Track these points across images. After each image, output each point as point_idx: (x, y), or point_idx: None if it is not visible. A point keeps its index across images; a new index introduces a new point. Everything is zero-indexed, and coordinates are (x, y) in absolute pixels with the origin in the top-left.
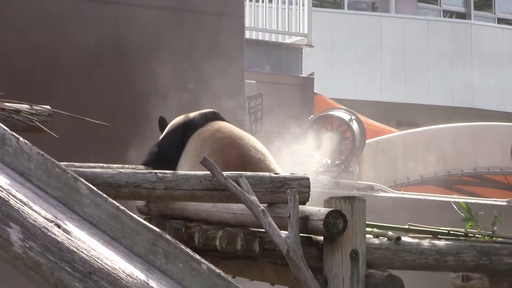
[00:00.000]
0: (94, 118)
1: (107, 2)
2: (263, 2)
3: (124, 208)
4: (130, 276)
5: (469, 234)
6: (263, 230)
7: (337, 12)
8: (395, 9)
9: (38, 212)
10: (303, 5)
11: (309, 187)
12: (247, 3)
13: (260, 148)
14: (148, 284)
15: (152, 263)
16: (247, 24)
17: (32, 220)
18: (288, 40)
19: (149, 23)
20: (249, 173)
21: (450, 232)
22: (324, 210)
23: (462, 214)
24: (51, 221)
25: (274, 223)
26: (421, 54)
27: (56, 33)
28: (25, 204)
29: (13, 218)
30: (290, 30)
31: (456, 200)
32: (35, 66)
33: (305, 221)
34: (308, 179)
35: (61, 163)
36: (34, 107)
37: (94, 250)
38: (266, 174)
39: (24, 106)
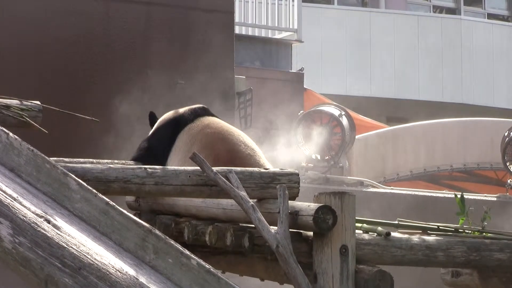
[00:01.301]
0: (84, 113)
1: None
2: None
3: (114, 204)
4: (119, 272)
5: (459, 230)
6: (253, 225)
7: (327, 8)
8: (385, 5)
9: (28, 208)
10: (293, 0)
11: (298, 183)
12: None
13: (249, 144)
14: (137, 279)
15: (141, 259)
16: (236, 19)
17: (22, 215)
18: (278, 35)
19: (138, 19)
20: (238, 169)
21: (440, 227)
22: (313, 206)
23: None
24: (41, 217)
25: (264, 219)
26: (411, 49)
27: (45, 29)
28: (15, 199)
29: (2, 214)
30: (280, 26)
31: (446, 195)
32: (25, 62)
33: (294, 216)
34: (297, 174)
35: (51, 158)
36: (24, 102)
37: (84, 246)
38: (256, 169)
39: (14, 102)
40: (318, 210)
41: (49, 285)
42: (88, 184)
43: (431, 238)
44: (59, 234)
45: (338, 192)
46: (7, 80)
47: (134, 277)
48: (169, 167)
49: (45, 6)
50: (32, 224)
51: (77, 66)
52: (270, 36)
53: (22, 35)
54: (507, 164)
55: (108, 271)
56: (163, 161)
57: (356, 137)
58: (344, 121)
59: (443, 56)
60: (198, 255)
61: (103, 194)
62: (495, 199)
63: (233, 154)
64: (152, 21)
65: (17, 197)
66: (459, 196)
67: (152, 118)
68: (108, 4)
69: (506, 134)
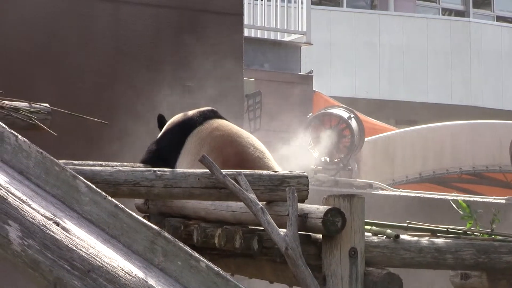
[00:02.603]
0: (93, 116)
1: (106, 0)
2: (262, 0)
3: (123, 206)
4: (128, 274)
5: (468, 232)
6: (262, 228)
7: (336, 10)
8: (394, 7)
9: (37, 210)
10: (302, 3)
11: (307, 185)
12: (246, 1)
13: (258, 146)
14: (146, 282)
15: (150, 261)
16: (246, 22)
17: (31, 218)
18: (287, 38)
19: (148, 21)
20: (247, 171)
21: (449, 230)
22: (323, 208)
23: (461, 212)
24: (50, 219)
25: (273, 221)
26: (420, 52)
27: (54, 31)
28: (23, 202)
29: (11, 216)
30: (289, 28)
31: (455, 198)
32: (34, 64)
33: (303, 219)
34: (306, 177)
35: (60, 161)
36: (33, 105)
37: (93, 248)
38: (265, 172)
39: (23, 104)
40: (327, 212)
41: (58, 287)
42: (97, 187)
43: (440, 241)
44: (68, 237)
45: (347, 195)
46: (16, 82)
47: (143, 279)
48: (178, 170)
49: (53, 8)
50: (41, 227)
51: (86, 68)
52: (279, 38)
53: (30, 37)
54: None
55: (117, 273)
56: (172, 164)
57: (365, 139)
58: (353, 123)
59: (452, 59)
60: (207, 258)
61: (112, 196)
62: (504, 201)
63: (242, 156)
64: (161, 23)
65: (26, 199)
66: (461, 199)
67: (161, 121)
68: (118, 7)
69: None
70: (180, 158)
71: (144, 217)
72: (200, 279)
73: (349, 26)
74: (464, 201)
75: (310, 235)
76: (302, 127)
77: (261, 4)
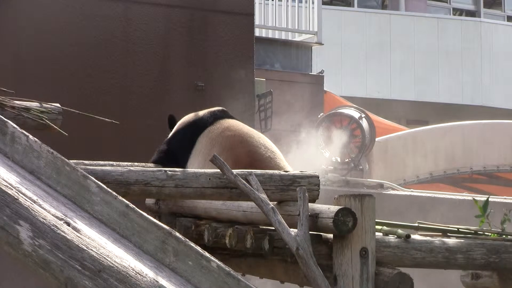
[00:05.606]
0: (104, 116)
1: (117, 0)
2: (273, 0)
3: (134, 206)
4: (139, 274)
5: (478, 232)
6: (273, 228)
7: (347, 10)
8: (405, 7)
9: (48, 210)
10: (313, 3)
11: (318, 185)
12: (257, 0)
13: (269, 146)
14: (157, 282)
15: (161, 261)
16: (257, 22)
17: (42, 218)
18: (298, 38)
19: (158, 21)
20: (258, 171)
21: (460, 230)
22: (334, 208)
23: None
24: (61, 219)
25: (284, 221)
26: (431, 52)
27: (65, 31)
28: (34, 202)
29: (22, 216)
30: (300, 28)
31: (466, 198)
32: (44, 64)
33: (315, 219)
34: (317, 177)
35: (71, 161)
36: (44, 105)
37: (104, 248)
38: (276, 172)
39: (34, 104)
40: (338, 212)
41: (69, 287)
42: (108, 187)
43: (451, 241)
44: (79, 237)
45: (358, 195)
46: (27, 83)
47: (153, 279)
48: (189, 170)
49: (64, 8)
50: (52, 227)
51: (96, 68)
52: (290, 38)
53: (41, 38)
54: None
55: (128, 273)
56: (183, 164)
57: (376, 139)
58: (364, 123)
59: (463, 59)
60: (218, 258)
61: (123, 196)
62: None
63: (253, 156)
64: (172, 23)
65: (37, 199)
66: (477, 199)
67: (171, 121)
68: (128, 7)
69: None
70: (191, 158)
71: (155, 217)
72: (211, 279)
73: (360, 26)
74: (478, 200)
75: (321, 235)
76: (313, 127)
77: (272, 4)
